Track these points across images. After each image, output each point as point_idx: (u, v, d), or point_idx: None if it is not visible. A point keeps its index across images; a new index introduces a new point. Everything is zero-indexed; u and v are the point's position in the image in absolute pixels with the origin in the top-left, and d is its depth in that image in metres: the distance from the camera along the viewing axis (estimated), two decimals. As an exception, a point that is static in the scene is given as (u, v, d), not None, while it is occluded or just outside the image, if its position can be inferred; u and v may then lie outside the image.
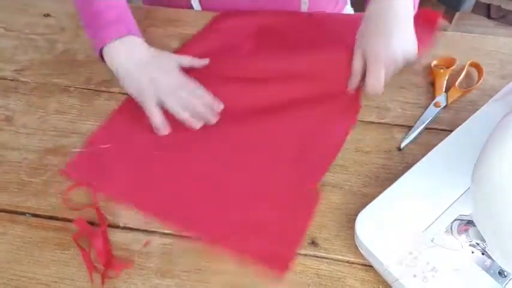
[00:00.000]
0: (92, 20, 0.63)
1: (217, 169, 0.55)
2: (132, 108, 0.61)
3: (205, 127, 0.59)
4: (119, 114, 0.61)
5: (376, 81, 0.57)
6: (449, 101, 0.61)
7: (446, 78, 0.63)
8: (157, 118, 0.58)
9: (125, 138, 0.59)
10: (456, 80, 0.63)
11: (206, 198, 0.53)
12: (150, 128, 0.59)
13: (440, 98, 0.61)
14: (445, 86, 0.62)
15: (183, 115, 0.58)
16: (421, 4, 0.70)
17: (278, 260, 0.49)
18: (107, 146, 0.57)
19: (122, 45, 0.61)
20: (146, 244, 0.51)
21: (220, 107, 0.59)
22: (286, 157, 0.56)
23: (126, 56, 0.60)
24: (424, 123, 0.59)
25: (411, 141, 0.58)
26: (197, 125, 0.58)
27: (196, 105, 0.58)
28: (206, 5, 0.76)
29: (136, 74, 0.59)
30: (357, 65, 0.60)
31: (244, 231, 0.51)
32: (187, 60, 0.64)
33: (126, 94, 0.64)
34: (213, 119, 0.58)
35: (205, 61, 0.65)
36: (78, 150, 0.57)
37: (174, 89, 0.59)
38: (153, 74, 0.59)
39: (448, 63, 0.65)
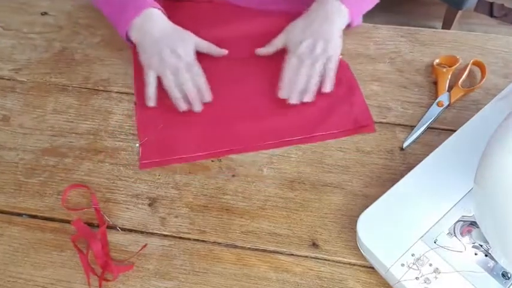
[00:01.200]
0: (109, 5, 0.65)
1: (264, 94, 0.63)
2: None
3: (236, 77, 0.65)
4: (142, 105, 0.62)
5: (289, 69, 0.62)
6: (452, 100, 0.60)
7: (449, 77, 0.62)
8: (150, 89, 0.61)
9: (167, 115, 0.61)
10: (459, 79, 0.62)
11: (277, 112, 0.61)
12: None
13: (443, 97, 0.61)
14: (447, 85, 0.62)
15: (175, 95, 0.60)
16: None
17: (362, 122, 0.59)
18: (160, 126, 0.60)
19: (142, 21, 0.63)
20: (143, 248, 0.50)
21: (209, 99, 0.61)
22: None
23: (146, 30, 0.63)
24: (426, 122, 0.59)
25: (413, 141, 0.57)
26: (183, 107, 0.60)
27: (191, 90, 0.60)
28: None
29: (151, 49, 0.62)
30: (277, 42, 0.65)
31: (322, 118, 0.60)
32: (206, 46, 0.65)
33: (125, 93, 0.64)
34: (199, 108, 0.60)
35: (224, 51, 0.66)
36: (139, 144, 0.58)
37: (178, 69, 0.61)
38: (165, 51, 0.61)
39: (451, 62, 0.64)
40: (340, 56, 0.66)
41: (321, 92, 0.62)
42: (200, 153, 0.57)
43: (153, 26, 0.63)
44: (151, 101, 0.61)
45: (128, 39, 0.65)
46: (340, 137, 0.58)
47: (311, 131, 0.59)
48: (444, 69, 0.63)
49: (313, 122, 0.60)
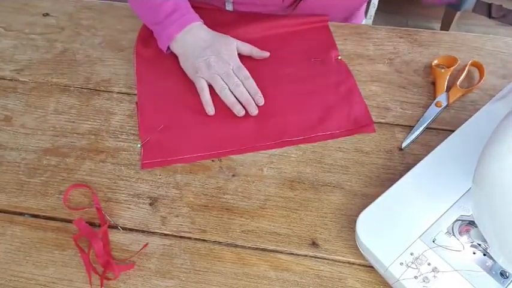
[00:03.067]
0: (152, 15, 0.66)
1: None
2: (152, 97, 0.63)
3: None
4: (144, 105, 0.62)
5: None
6: (451, 100, 0.61)
7: (447, 77, 0.63)
8: (206, 96, 0.61)
9: (168, 116, 0.61)
10: (457, 80, 0.62)
11: (279, 113, 0.61)
12: (181, 100, 0.63)
13: (441, 98, 0.61)
14: (446, 85, 0.62)
15: (230, 99, 0.60)
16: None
17: (362, 122, 0.60)
18: (160, 127, 0.60)
19: (184, 34, 0.64)
20: (144, 247, 0.50)
21: (262, 102, 0.61)
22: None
23: (189, 41, 0.64)
24: (425, 123, 0.59)
25: (412, 141, 0.58)
26: (241, 112, 0.60)
27: (243, 93, 0.61)
28: (238, 8, 0.75)
29: (195, 58, 0.63)
30: None
31: (322, 119, 0.60)
32: (247, 49, 0.66)
33: (126, 93, 0.64)
34: (255, 111, 0.60)
35: (265, 53, 0.66)
36: (141, 144, 0.58)
37: (227, 74, 0.61)
38: (211, 58, 0.62)
39: (449, 62, 0.64)
40: (340, 57, 0.67)
41: (320, 92, 0.62)
42: (201, 154, 0.58)
43: (196, 37, 0.64)
44: (209, 106, 0.60)
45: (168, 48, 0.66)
46: (340, 137, 0.59)
47: (311, 132, 0.59)
48: (442, 70, 0.63)
49: (313, 123, 0.60)
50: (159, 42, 0.66)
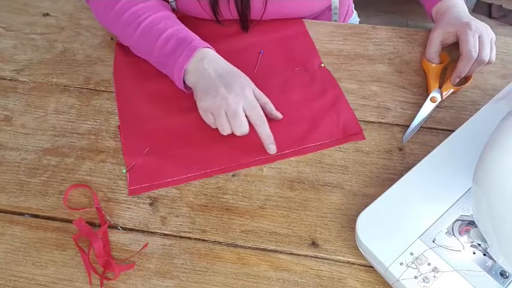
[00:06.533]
0: (159, 55, 0.62)
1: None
2: (134, 119, 0.61)
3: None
4: (127, 128, 0.60)
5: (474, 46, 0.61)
6: (444, 96, 0.61)
7: (440, 73, 0.63)
8: (212, 125, 0.58)
9: (153, 138, 0.59)
10: (449, 76, 0.62)
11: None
12: (164, 120, 0.61)
13: (435, 93, 0.61)
14: (439, 81, 0.62)
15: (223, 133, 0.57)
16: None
17: (351, 130, 0.59)
18: (146, 150, 0.58)
19: (195, 65, 0.59)
20: (144, 247, 0.50)
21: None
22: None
23: (202, 73, 0.58)
24: (420, 118, 0.59)
25: (410, 136, 0.58)
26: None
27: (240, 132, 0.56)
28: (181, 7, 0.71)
29: (210, 87, 0.57)
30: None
31: (310, 130, 0.59)
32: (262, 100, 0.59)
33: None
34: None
35: (279, 115, 0.60)
36: (126, 169, 0.56)
37: (234, 114, 0.55)
38: (221, 90, 0.56)
39: (441, 59, 0.65)
40: (323, 65, 0.66)
41: (307, 102, 0.62)
42: (190, 175, 0.56)
43: (209, 70, 0.58)
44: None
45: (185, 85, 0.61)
46: (331, 147, 0.58)
47: (301, 143, 0.58)
48: (433, 65, 0.63)
49: (302, 134, 0.59)
50: (175, 80, 0.61)
